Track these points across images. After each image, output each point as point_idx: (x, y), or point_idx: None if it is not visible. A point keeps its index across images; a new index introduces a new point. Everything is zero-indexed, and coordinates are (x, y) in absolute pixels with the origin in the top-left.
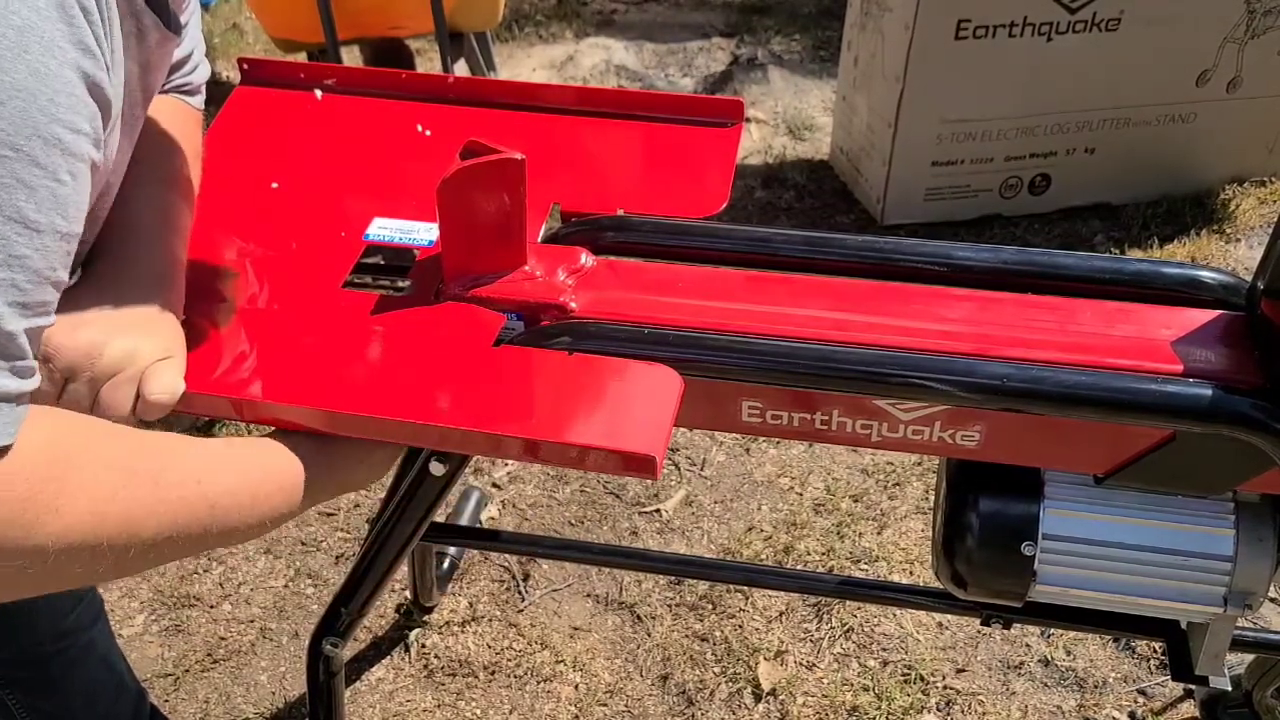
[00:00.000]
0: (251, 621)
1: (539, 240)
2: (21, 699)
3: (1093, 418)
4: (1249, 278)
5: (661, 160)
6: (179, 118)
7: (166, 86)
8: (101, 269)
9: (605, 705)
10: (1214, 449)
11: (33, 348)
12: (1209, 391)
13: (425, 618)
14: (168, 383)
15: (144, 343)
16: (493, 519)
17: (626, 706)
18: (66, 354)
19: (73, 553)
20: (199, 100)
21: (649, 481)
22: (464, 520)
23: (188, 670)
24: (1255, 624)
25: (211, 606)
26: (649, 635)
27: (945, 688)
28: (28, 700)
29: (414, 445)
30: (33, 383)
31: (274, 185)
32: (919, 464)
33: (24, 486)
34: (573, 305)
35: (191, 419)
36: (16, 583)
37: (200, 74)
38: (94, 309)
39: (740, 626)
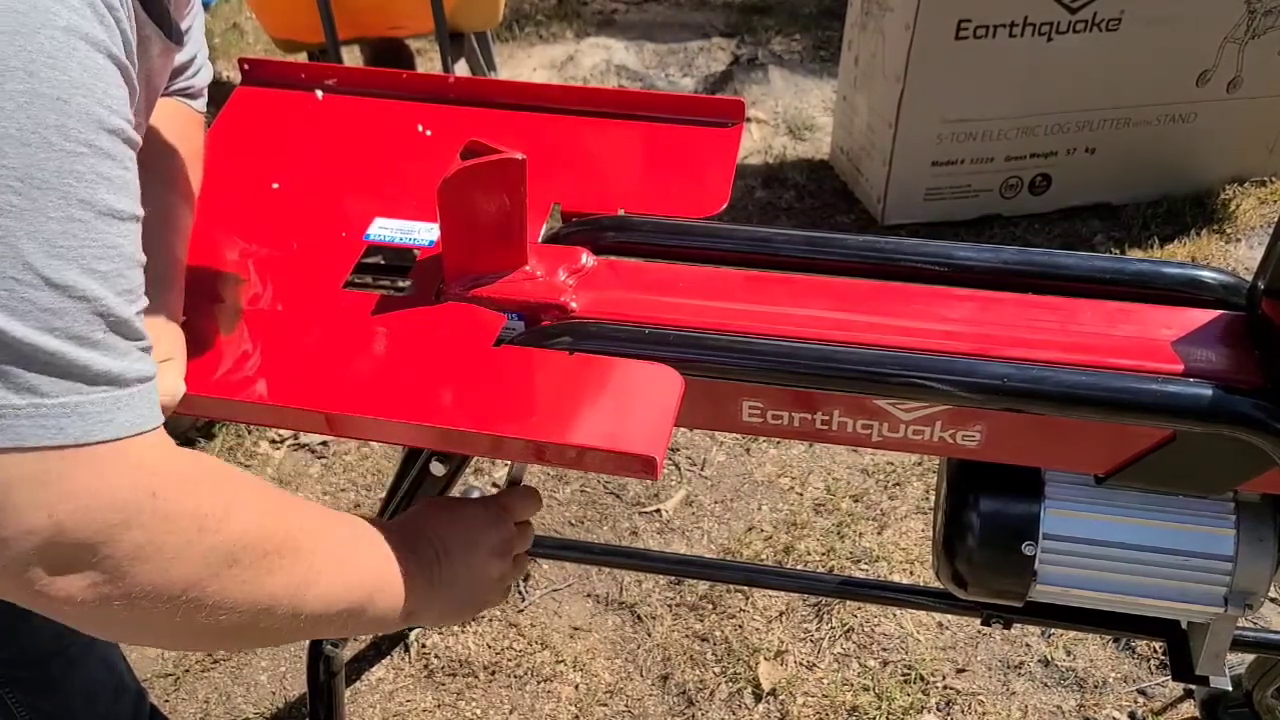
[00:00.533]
0: None
1: (540, 240)
2: (21, 698)
3: (1093, 418)
4: (1249, 278)
5: (662, 160)
6: (180, 120)
7: (168, 90)
8: None
9: (605, 705)
10: (1215, 449)
11: (145, 331)
12: (1209, 391)
13: None
14: (168, 385)
15: None
16: None
17: (626, 706)
18: None
19: (231, 556)
20: (200, 104)
21: (649, 481)
22: None
23: (188, 670)
24: (1256, 624)
25: None
26: (649, 635)
27: (945, 688)
28: (27, 700)
29: (414, 446)
30: (156, 366)
31: (275, 185)
32: (919, 464)
33: (208, 483)
34: (573, 305)
35: (191, 420)
36: (187, 624)
37: (202, 78)
38: None
39: (740, 626)
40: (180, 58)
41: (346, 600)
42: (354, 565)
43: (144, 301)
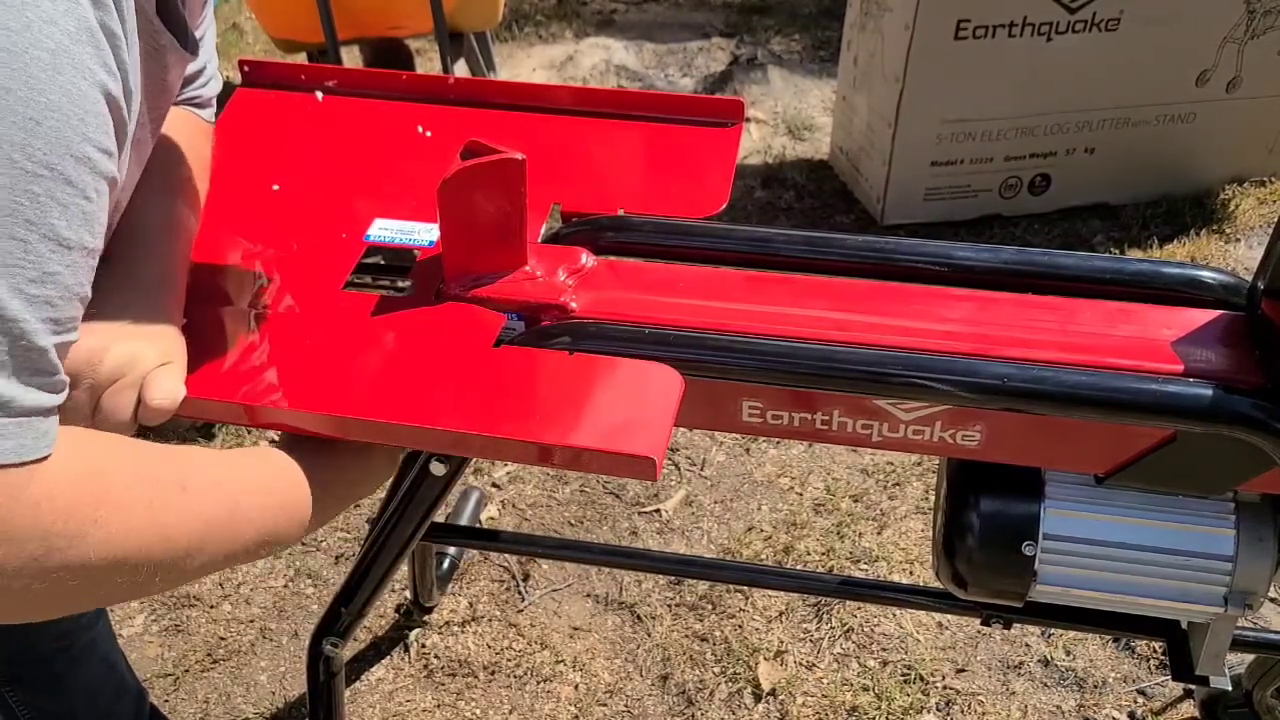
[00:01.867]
0: (251, 621)
1: (539, 240)
2: (23, 697)
3: (1094, 418)
4: (1249, 278)
5: (662, 160)
6: (188, 129)
7: (178, 99)
8: (103, 274)
9: (605, 705)
10: (1215, 449)
11: (60, 362)
12: (1209, 391)
13: (425, 618)
14: (168, 388)
15: (145, 348)
16: (492, 519)
17: (626, 706)
18: (67, 361)
19: (115, 564)
20: (209, 114)
21: (649, 482)
22: (464, 520)
23: (188, 670)
24: (1255, 624)
25: (211, 607)
26: (649, 635)
27: (945, 688)
28: (29, 699)
29: (415, 448)
30: (62, 397)
31: (275, 187)
32: (919, 464)
33: (64, 500)
34: (573, 305)
35: (190, 423)
36: (63, 597)
37: (212, 88)
38: (95, 315)
39: (740, 626)
40: (191, 67)
41: (237, 545)
42: (236, 536)
43: (73, 336)
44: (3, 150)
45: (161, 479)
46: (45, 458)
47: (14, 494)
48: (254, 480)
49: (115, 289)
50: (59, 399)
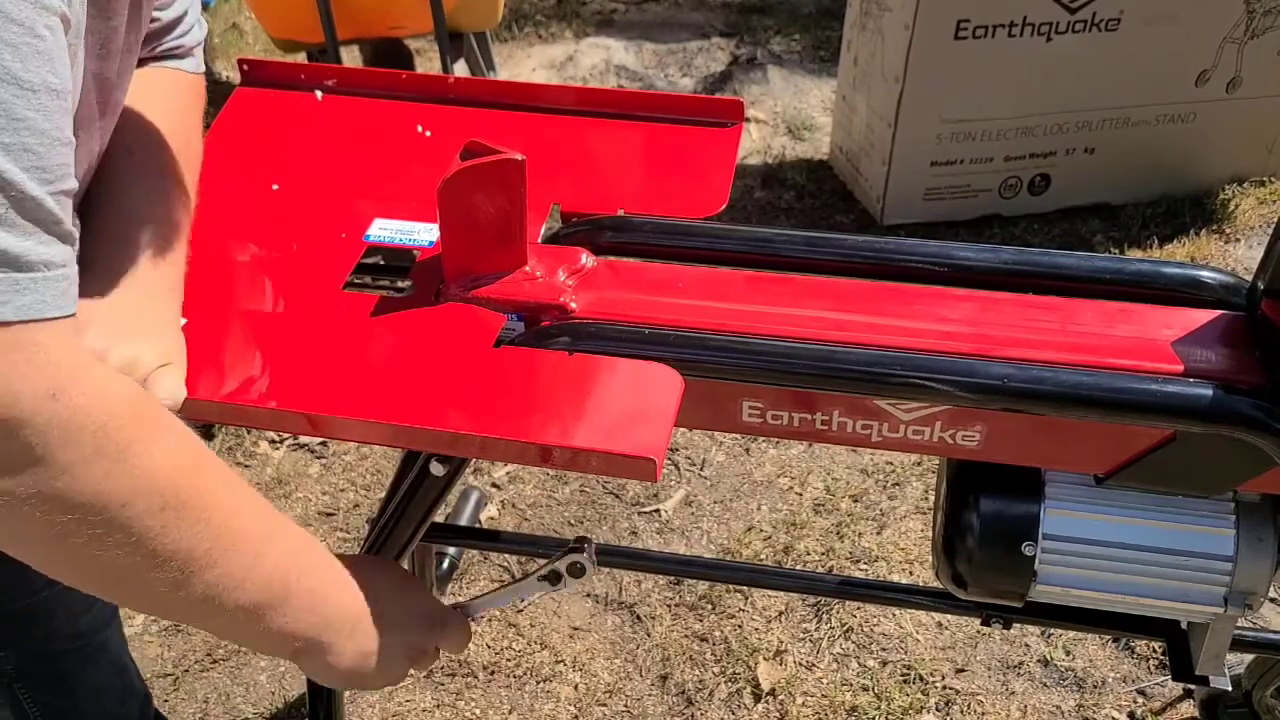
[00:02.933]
0: None
1: (539, 241)
2: (33, 693)
3: (1093, 418)
4: (1249, 278)
5: (662, 160)
6: (174, 91)
7: (157, 50)
8: (100, 271)
9: (605, 705)
10: (1214, 449)
11: (62, 213)
12: (1209, 391)
13: None
14: (169, 390)
15: (145, 350)
16: (492, 519)
17: (626, 706)
18: None
19: (147, 505)
20: (193, 64)
21: (649, 482)
22: (464, 520)
23: (187, 670)
24: (1255, 624)
25: None
26: (649, 635)
27: (945, 688)
28: (39, 695)
29: (415, 448)
30: (72, 250)
31: (275, 187)
32: (919, 464)
33: (126, 402)
34: (573, 306)
35: (190, 423)
36: (83, 556)
37: (194, 36)
38: (94, 314)
39: (740, 626)
40: (167, 14)
41: (246, 597)
42: (269, 564)
43: (68, 184)
44: None
45: (210, 465)
46: (70, 315)
47: (64, 360)
48: (317, 581)
49: (113, 287)
50: (70, 250)
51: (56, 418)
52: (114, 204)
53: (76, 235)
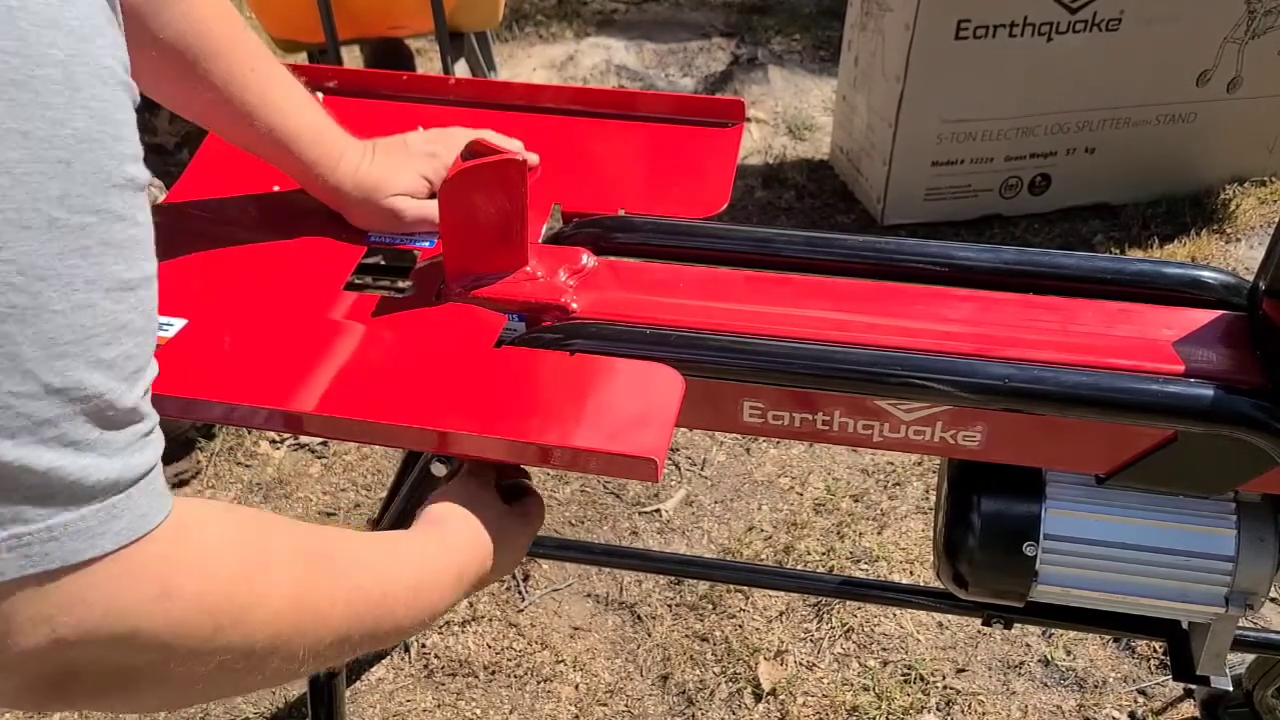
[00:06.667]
0: None
1: (540, 241)
2: None
3: (1094, 418)
4: (1250, 278)
5: (662, 161)
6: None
7: None
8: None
9: (605, 705)
10: (1215, 449)
11: (149, 402)
12: (1210, 392)
13: None
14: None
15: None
16: None
17: (626, 706)
18: None
19: (276, 644)
20: None
21: (650, 482)
22: None
23: None
24: (1256, 624)
25: None
26: (649, 635)
27: (945, 687)
28: None
29: (415, 449)
30: (160, 440)
31: (275, 188)
32: (919, 464)
33: (235, 563)
34: (574, 306)
35: (189, 422)
36: (219, 683)
37: None
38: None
39: (740, 626)
40: None
41: (369, 642)
42: (385, 613)
43: (152, 372)
44: (41, 211)
45: (315, 553)
46: (170, 512)
47: (165, 567)
48: (403, 570)
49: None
50: (159, 444)
51: (169, 616)
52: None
53: (157, 420)
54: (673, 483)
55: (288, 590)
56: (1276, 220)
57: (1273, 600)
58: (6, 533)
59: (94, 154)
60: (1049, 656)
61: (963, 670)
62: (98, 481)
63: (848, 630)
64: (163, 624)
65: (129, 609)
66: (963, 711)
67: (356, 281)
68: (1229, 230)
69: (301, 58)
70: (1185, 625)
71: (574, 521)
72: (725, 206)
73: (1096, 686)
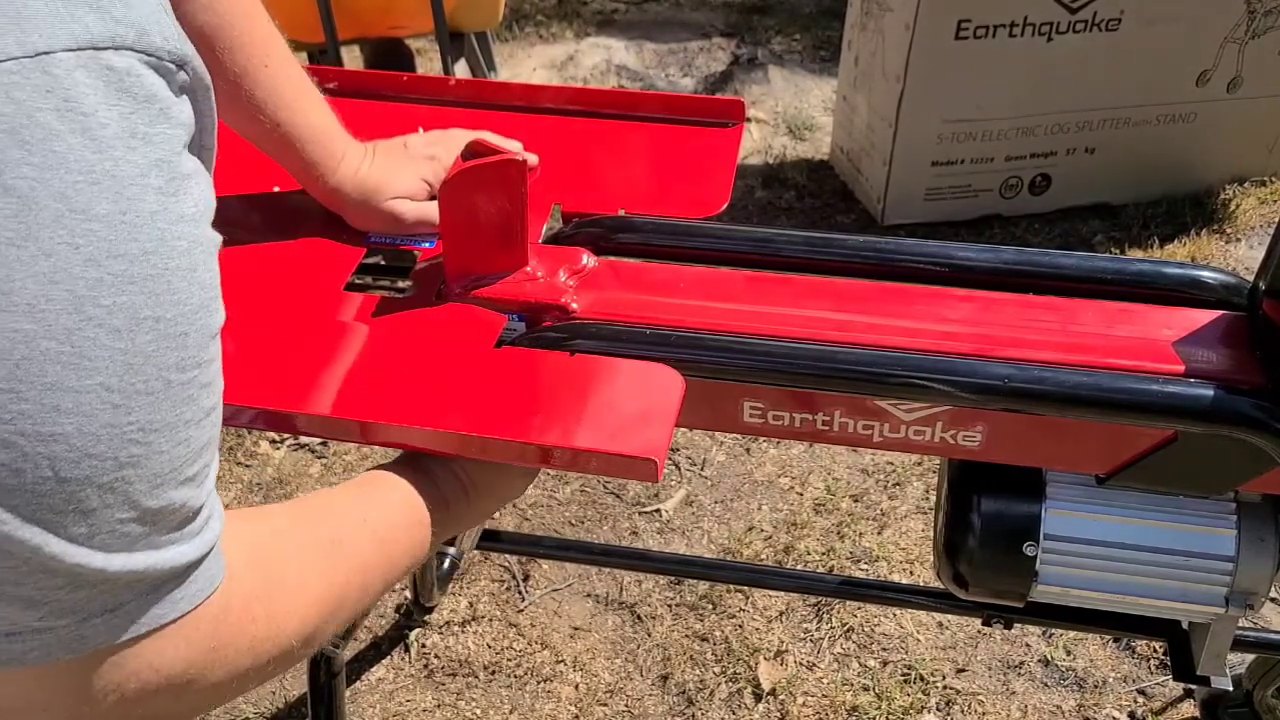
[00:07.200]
0: None
1: (540, 241)
2: None
3: (1094, 418)
4: (1250, 278)
5: (662, 161)
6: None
7: None
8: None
9: (605, 705)
10: (1216, 449)
11: (214, 485)
12: (1210, 392)
13: (425, 618)
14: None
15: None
16: (493, 519)
17: (626, 706)
18: None
19: (309, 639)
20: None
21: (650, 482)
22: None
23: None
24: (1256, 624)
25: None
26: (649, 635)
27: (945, 687)
28: None
29: (415, 449)
30: (222, 517)
31: (275, 188)
32: (919, 464)
33: (261, 607)
34: (574, 306)
35: None
36: (261, 677)
37: None
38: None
39: (740, 626)
40: None
41: (379, 591)
42: (392, 569)
43: (216, 464)
44: (163, 378)
45: (322, 541)
46: (223, 579)
47: (216, 624)
48: (393, 514)
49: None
50: (221, 513)
51: (219, 664)
52: (307, 108)
53: (216, 497)
54: (673, 483)
55: (315, 594)
56: (1276, 220)
57: (1273, 600)
58: (100, 620)
59: (203, 319)
60: (1049, 656)
61: (963, 670)
62: (175, 567)
63: (848, 630)
64: (211, 672)
65: (182, 663)
66: (963, 711)
67: (356, 282)
68: (1229, 230)
69: (301, 58)
70: (1185, 625)
71: (574, 521)
72: (725, 207)
73: (1096, 686)
